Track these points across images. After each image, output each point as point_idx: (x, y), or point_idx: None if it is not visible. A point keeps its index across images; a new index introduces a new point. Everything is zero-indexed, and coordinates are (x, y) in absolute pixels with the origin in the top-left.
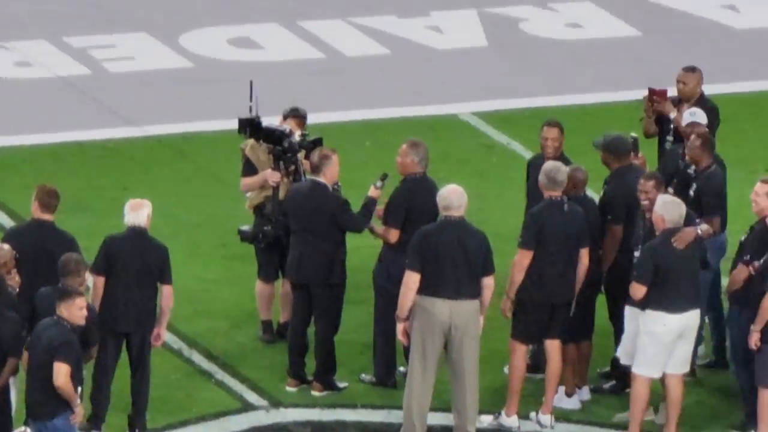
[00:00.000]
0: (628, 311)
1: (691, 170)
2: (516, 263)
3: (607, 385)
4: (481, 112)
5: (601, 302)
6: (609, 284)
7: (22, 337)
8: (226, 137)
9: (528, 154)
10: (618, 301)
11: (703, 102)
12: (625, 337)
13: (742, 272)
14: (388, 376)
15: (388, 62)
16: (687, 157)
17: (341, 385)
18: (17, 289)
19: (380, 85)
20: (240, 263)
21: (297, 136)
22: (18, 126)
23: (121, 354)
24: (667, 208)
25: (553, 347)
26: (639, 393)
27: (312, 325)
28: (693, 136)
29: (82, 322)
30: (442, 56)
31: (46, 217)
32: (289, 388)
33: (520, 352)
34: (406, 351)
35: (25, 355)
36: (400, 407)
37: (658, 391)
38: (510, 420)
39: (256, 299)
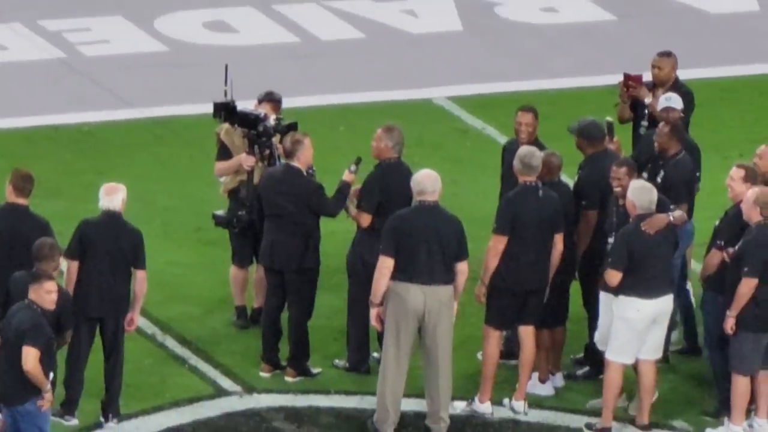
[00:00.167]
0: (603, 297)
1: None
2: (490, 248)
3: (580, 372)
4: (455, 96)
5: (575, 288)
6: (583, 270)
7: None
8: (201, 121)
9: (503, 139)
10: (592, 287)
11: (677, 87)
12: (601, 323)
13: (716, 257)
14: (361, 362)
15: (363, 46)
16: (655, 144)
17: (315, 370)
18: None
19: (355, 69)
20: (214, 248)
21: (272, 121)
22: None
23: (94, 339)
24: (637, 193)
25: (526, 333)
26: (612, 379)
27: (286, 310)
28: (661, 124)
29: (51, 306)
30: (417, 40)
31: (21, 201)
32: (262, 374)
33: (494, 338)
34: (380, 337)
35: None
36: (373, 393)
37: (632, 378)
38: (483, 406)
39: (230, 284)
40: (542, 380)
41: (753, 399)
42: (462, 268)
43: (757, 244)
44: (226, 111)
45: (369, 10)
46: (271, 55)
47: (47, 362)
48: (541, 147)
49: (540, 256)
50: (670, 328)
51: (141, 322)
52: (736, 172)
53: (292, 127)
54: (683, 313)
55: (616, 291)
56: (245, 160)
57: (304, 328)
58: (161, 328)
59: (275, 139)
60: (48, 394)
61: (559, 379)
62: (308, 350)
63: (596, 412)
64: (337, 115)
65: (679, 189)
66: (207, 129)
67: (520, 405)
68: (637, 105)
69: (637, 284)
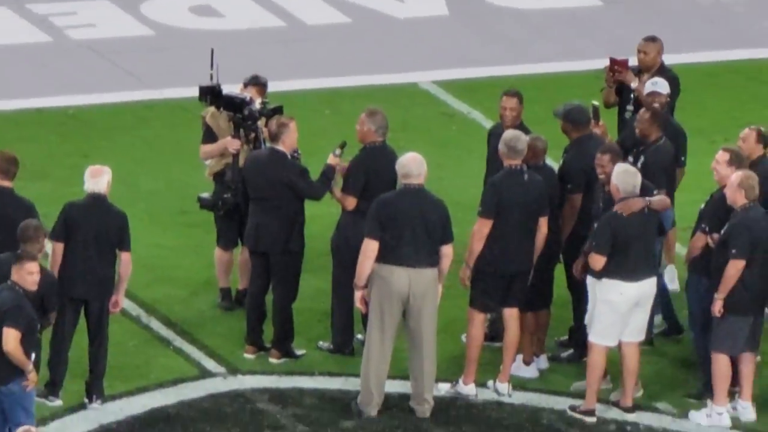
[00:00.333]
0: (590, 280)
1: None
2: (475, 232)
3: (564, 354)
4: (441, 80)
5: (559, 271)
6: (567, 253)
7: None
8: (187, 105)
9: (488, 123)
10: None
11: (663, 72)
12: (590, 306)
13: (700, 240)
14: (345, 344)
15: (349, 31)
16: (636, 130)
17: (299, 352)
18: None
19: (341, 53)
20: (199, 230)
21: (257, 104)
22: None
23: (79, 321)
24: (621, 177)
25: (511, 316)
26: (596, 362)
27: (270, 292)
28: (642, 110)
29: (33, 287)
30: (403, 25)
31: (5, 183)
32: (246, 356)
33: (478, 321)
34: (364, 319)
35: None
36: (357, 375)
37: (617, 361)
38: (467, 388)
39: (215, 266)
40: (526, 362)
41: (736, 381)
42: (447, 251)
43: (744, 226)
44: (211, 94)
45: None
46: (257, 39)
47: (29, 343)
48: (526, 131)
49: (525, 240)
50: (654, 311)
51: (126, 303)
52: (722, 156)
53: (278, 110)
54: (659, 295)
55: (600, 274)
56: (230, 143)
57: (288, 310)
58: (146, 309)
59: (261, 123)
60: (31, 374)
61: (543, 362)
62: (292, 332)
63: (580, 395)
64: (322, 98)
65: (658, 175)
66: (192, 112)
67: (504, 387)
68: (622, 90)
69: (619, 267)
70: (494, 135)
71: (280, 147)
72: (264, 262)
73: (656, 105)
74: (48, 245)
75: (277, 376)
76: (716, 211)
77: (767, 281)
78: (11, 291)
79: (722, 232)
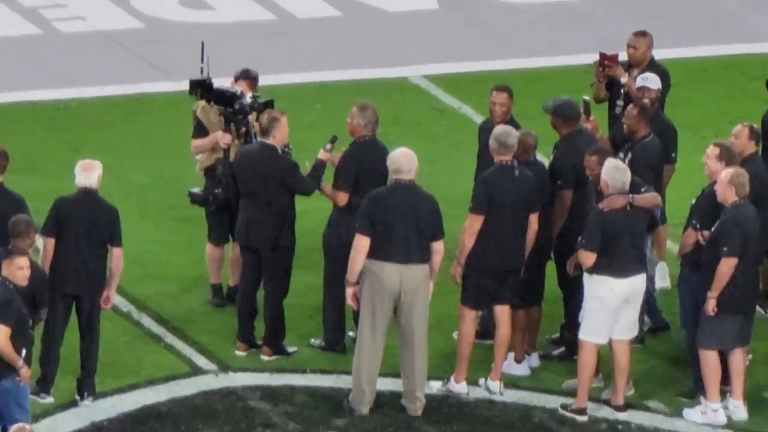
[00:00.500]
0: (585, 277)
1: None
2: (466, 228)
3: (556, 352)
4: (431, 75)
5: (550, 268)
6: (558, 250)
7: None
8: (177, 99)
9: (478, 118)
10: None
11: (653, 67)
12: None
13: (691, 236)
14: (337, 341)
15: (340, 24)
16: (624, 126)
17: (290, 349)
18: None
19: (331, 47)
20: (190, 226)
21: (248, 98)
22: None
23: (70, 317)
24: (611, 173)
25: (502, 313)
26: (586, 359)
27: (261, 289)
28: (630, 106)
29: (23, 282)
30: (393, 19)
31: None
32: (238, 353)
33: (470, 318)
34: (356, 316)
35: None
36: (349, 372)
37: (608, 359)
38: (459, 386)
39: (206, 262)
40: (518, 360)
41: (727, 380)
42: (438, 247)
43: (735, 224)
44: (202, 88)
45: None
46: (248, 32)
47: (20, 339)
48: (516, 126)
49: (516, 236)
50: (644, 308)
51: (117, 300)
52: (712, 151)
53: (269, 104)
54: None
55: (590, 270)
56: (221, 137)
57: (279, 306)
58: (137, 306)
59: (251, 117)
60: (23, 370)
61: (534, 360)
62: (284, 329)
63: (572, 393)
64: (313, 93)
65: (645, 172)
66: (183, 106)
67: (495, 385)
68: (612, 84)
69: (609, 264)
70: (485, 130)
71: (270, 141)
72: (255, 258)
73: (646, 100)
74: (39, 240)
75: (269, 374)
76: (707, 207)
77: (757, 279)
78: (1, 287)
79: (713, 229)
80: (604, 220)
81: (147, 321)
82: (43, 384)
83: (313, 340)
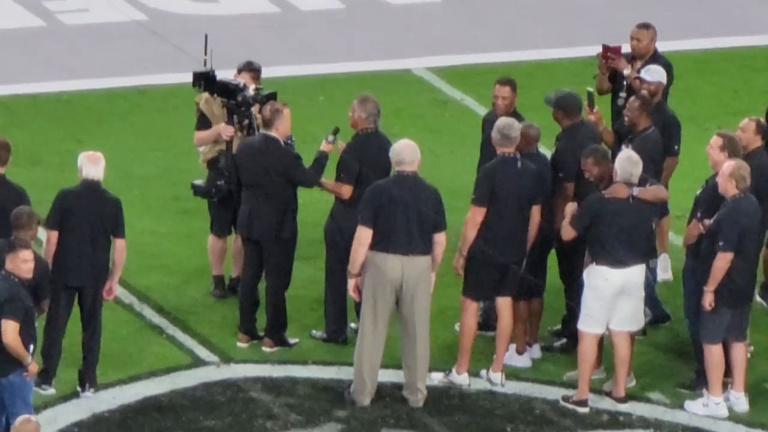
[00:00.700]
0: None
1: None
2: (469, 220)
3: (557, 344)
4: (434, 67)
5: (552, 259)
6: (560, 241)
7: None
8: (181, 91)
9: (481, 110)
10: (569, 259)
11: (656, 59)
12: None
13: (696, 227)
14: (339, 333)
15: (343, 16)
16: (625, 119)
17: (292, 341)
18: None
19: (334, 39)
20: (193, 218)
21: (251, 90)
22: None
23: (72, 308)
24: (622, 163)
25: (504, 304)
26: (586, 350)
27: (263, 280)
28: (632, 98)
29: (28, 275)
30: (396, 11)
31: None
32: (240, 344)
33: (471, 310)
34: (358, 307)
35: None
36: (350, 364)
37: (610, 351)
38: (460, 378)
39: (208, 254)
40: (519, 352)
41: (729, 372)
42: (440, 239)
43: (733, 218)
44: (205, 80)
45: None
46: (251, 24)
47: (27, 333)
48: (519, 118)
49: (518, 228)
50: (646, 300)
51: (119, 291)
52: (715, 141)
53: (272, 96)
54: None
55: (594, 259)
56: (224, 129)
57: (281, 298)
58: (139, 297)
59: (254, 109)
60: (31, 365)
61: (536, 351)
62: (285, 320)
63: (573, 384)
64: (316, 85)
65: (645, 164)
66: (186, 98)
67: (497, 376)
68: (615, 77)
69: (607, 253)
70: (488, 122)
71: (273, 133)
72: (257, 250)
73: (644, 92)
74: (41, 232)
75: (270, 365)
76: (711, 198)
77: (754, 272)
78: (6, 281)
79: (712, 221)
80: (602, 206)
81: (149, 312)
82: (45, 375)
83: (314, 331)
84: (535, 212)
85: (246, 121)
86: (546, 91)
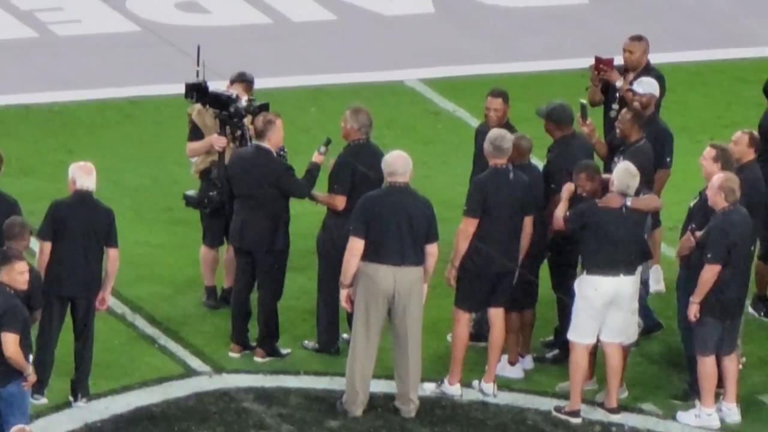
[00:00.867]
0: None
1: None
2: (460, 231)
3: (549, 354)
4: (427, 78)
5: (544, 271)
6: (553, 253)
7: None
8: (173, 102)
9: (474, 122)
10: (561, 270)
11: (648, 71)
12: None
13: (689, 239)
14: (331, 343)
15: (335, 28)
16: (617, 131)
17: (284, 351)
18: None
19: (327, 50)
20: (185, 228)
21: (244, 102)
22: None
23: (65, 319)
24: (620, 174)
25: (496, 315)
26: (576, 360)
27: (255, 291)
28: (624, 110)
29: (23, 286)
30: (389, 22)
31: None
32: (232, 354)
33: (464, 320)
34: (350, 318)
35: None
36: (343, 374)
37: (603, 362)
38: (453, 388)
39: (200, 264)
40: (512, 363)
41: (721, 383)
42: (432, 250)
43: (721, 230)
44: (197, 91)
45: None
46: (243, 35)
47: (24, 344)
48: (511, 130)
49: (510, 239)
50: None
51: (111, 301)
52: (708, 152)
53: (264, 108)
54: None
55: (585, 269)
56: (217, 140)
57: (273, 308)
58: (131, 307)
59: (247, 120)
60: (31, 376)
61: (528, 362)
62: (278, 331)
63: (566, 395)
64: (308, 96)
65: None
66: (178, 109)
67: (489, 387)
68: (608, 88)
69: (598, 262)
70: (481, 133)
71: (265, 144)
72: (249, 260)
73: (636, 104)
74: (33, 243)
75: (263, 375)
76: (704, 209)
77: (745, 284)
78: (4, 294)
79: (701, 233)
80: (593, 214)
81: (141, 322)
82: (38, 385)
83: (306, 342)
84: (527, 223)
85: (238, 132)
86: (539, 102)
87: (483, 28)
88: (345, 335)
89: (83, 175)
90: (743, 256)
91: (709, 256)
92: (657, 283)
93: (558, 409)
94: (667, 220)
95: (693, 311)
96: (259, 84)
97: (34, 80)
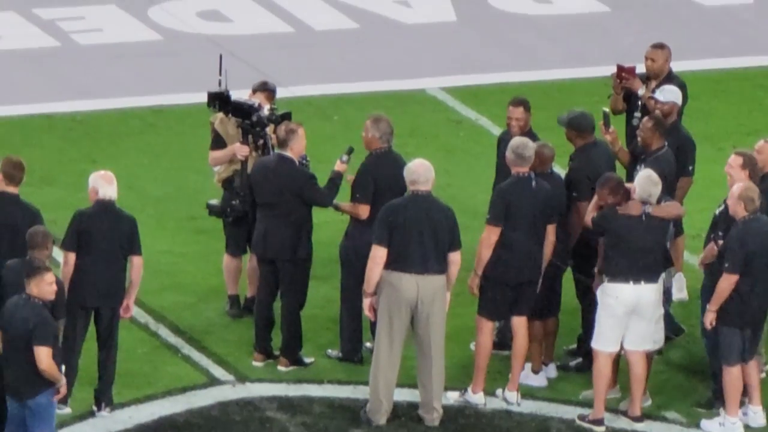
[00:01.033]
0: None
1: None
2: (483, 240)
3: (573, 363)
4: (449, 87)
5: (567, 279)
6: (576, 261)
7: None
8: (195, 110)
9: (496, 130)
10: (584, 278)
11: (671, 79)
12: None
13: (713, 247)
14: (354, 352)
15: (357, 36)
16: (638, 139)
17: (308, 360)
18: None
19: (349, 59)
20: (208, 237)
21: (266, 110)
22: None
23: (88, 328)
24: (641, 182)
25: (519, 324)
26: (600, 369)
27: (278, 300)
28: (645, 119)
29: (52, 296)
30: (410, 31)
31: (11, 189)
32: (255, 363)
33: (487, 329)
34: (373, 326)
35: None
36: (366, 383)
37: (627, 370)
38: (476, 397)
39: (223, 273)
40: (535, 371)
41: (744, 390)
42: (455, 258)
43: (740, 240)
44: (220, 100)
45: (363, 1)
46: (265, 44)
47: (56, 355)
48: (534, 138)
49: (533, 247)
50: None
51: (134, 311)
52: (735, 160)
53: (286, 116)
54: None
55: (607, 276)
56: (239, 149)
57: (296, 317)
58: (154, 317)
59: (269, 129)
60: (63, 387)
61: (551, 370)
62: (301, 340)
63: (589, 404)
64: (330, 105)
65: None
66: (200, 118)
67: (512, 396)
68: (630, 97)
69: (618, 269)
70: (503, 141)
71: (288, 153)
72: (272, 269)
73: (657, 112)
74: (56, 252)
75: (286, 384)
76: (729, 217)
77: (767, 293)
78: (32, 306)
79: (722, 242)
80: (613, 220)
81: (164, 332)
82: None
83: (330, 350)
84: (550, 232)
85: (261, 141)
86: (561, 111)
87: (505, 36)
88: (368, 344)
89: (105, 185)
90: (764, 265)
91: (727, 265)
92: (680, 291)
93: (582, 418)
94: (689, 228)
95: (709, 319)
96: (281, 93)
97: (57, 90)
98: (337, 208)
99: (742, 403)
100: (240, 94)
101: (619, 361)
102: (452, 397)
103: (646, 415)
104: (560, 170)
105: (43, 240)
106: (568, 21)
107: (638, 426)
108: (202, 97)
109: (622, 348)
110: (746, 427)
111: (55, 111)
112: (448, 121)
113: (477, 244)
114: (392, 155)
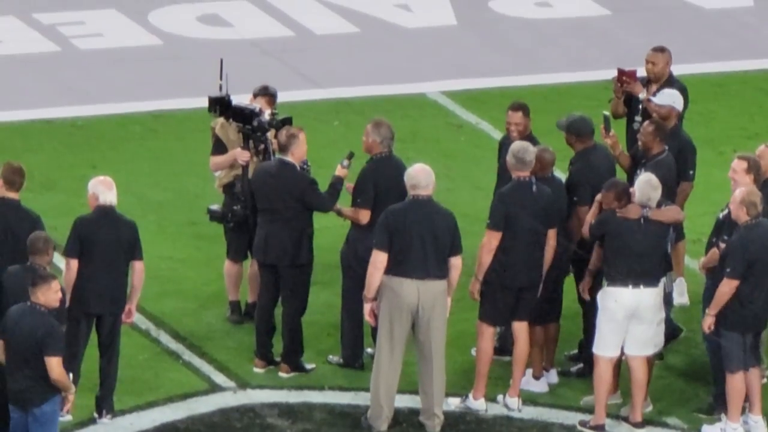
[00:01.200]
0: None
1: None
2: (484, 245)
3: (574, 368)
4: (449, 91)
5: (569, 284)
6: (576, 266)
7: None
8: (196, 115)
9: (496, 134)
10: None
11: (672, 82)
12: None
13: (716, 252)
14: (355, 358)
15: (358, 40)
16: (639, 143)
17: (309, 366)
18: None
19: (349, 63)
20: (209, 243)
21: (267, 115)
22: None
23: (90, 334)
24: (641, 186)
25: (520, 329)
26: (601, 374)
27: (279, 305)
28: (646, 123)
29: (57, 304)
30: (411, 35)
31: (11, 195)
32: (256, 369)
33: (488, 334)
34: (374, 332)
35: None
36: (367, 389)
37: (627, 375)
38: (477, 403)
39: (224, 279)
40: (536, 377)
41: (746, 396)
42: (456, 263)
43: (741, 245)
44: (221, 105)
45: (363, 4)
46: (266, 49)
47: (66, 363)
48: (534, 142)
49: (534, 252)
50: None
51: (135, 317)
52: (738, 164)
53: (287, 121)
54: None
55: (607, 281)
56: (240, 154)
57: (297, 323)
58: (155, 323)
59: (270, 134)
60: (72, 395)
61: (553, 376)
62: (302, 346)
63: (590, 409)
64: (331, 109)
65: None
66: (201, 123)
67: (514, 401)
68: (630, 100)
69: (619, 274)
70: (504, 146)
71: (289, 158)
72: (273, 275)
73: (654, 115)
74: (57, 259)
75: (287, 391)
76: (732, 221)
77: None
78: (39, 315)
79: (724, 247)
80: (611, 223)
81: (165, 338)
82: (62, 402)
83: (331, 356)
84: (551, 237)
85: (261, 146)
86: (561, 115)
87: (505, 40)
88: (369, 350)
89: (105, 190)
90: (766, 270)
91: (728, 270)
92: (681, 295)
93: (583, 423)
94: (690, 232)
95: (707, 323)
96: (282, 98)
97: (57, 94)
98: (338, 213)
99: (742, 411)
100: (241, 98)
101: (620, 367)
102: (453, 403)
103: (647, 421)
104: (560, 174)
105: (44, 246)
106: (568, 25)
107: None
108: (203, 102)
109: (623, 353)
110: None
111: (56, 116)
112: (448, 125)
113: (478, 249)
114: (393, 160)
